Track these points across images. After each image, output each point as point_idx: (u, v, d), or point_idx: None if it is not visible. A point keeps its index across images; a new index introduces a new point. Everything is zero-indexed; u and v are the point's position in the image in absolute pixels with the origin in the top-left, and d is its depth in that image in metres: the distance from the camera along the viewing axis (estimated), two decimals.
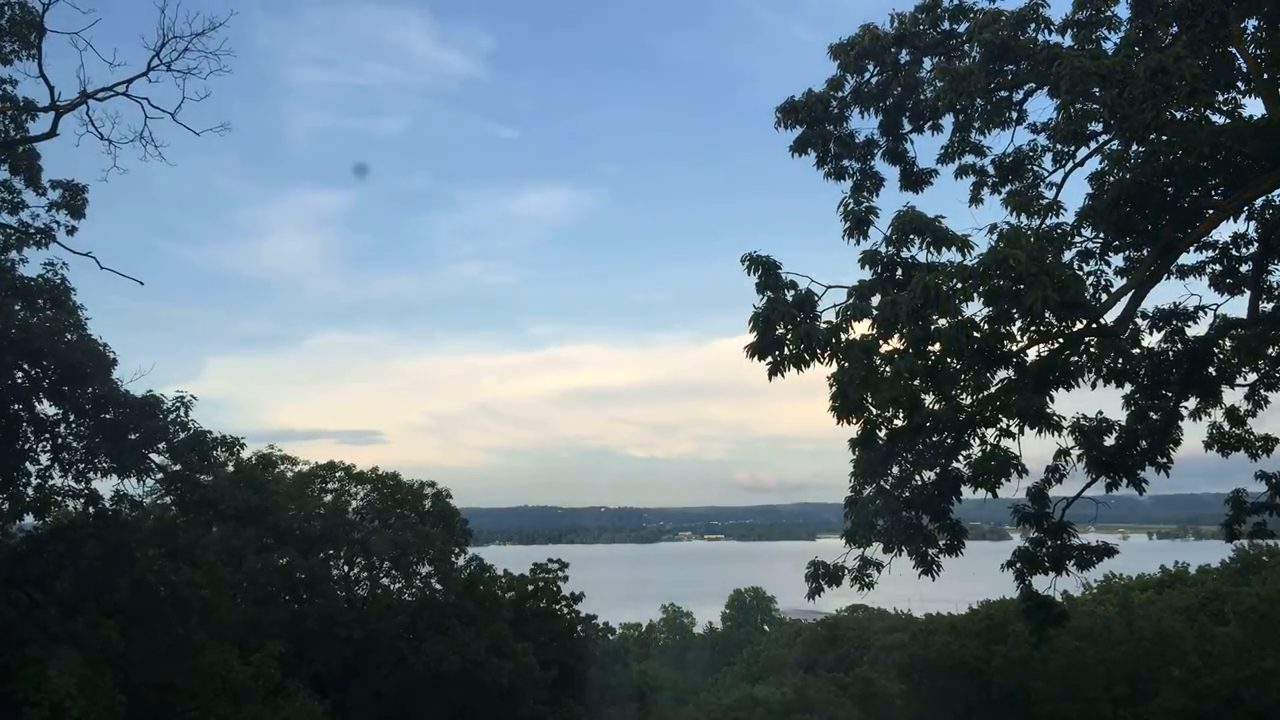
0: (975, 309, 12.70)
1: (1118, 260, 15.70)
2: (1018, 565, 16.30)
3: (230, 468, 25.09)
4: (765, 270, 13.24)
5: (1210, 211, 14.28)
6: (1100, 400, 15.14)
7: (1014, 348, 13.25)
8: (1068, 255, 14.62)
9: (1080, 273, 14.42)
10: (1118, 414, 15.88)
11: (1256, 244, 15.73)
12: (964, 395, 13.80)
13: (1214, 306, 16.00)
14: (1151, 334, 16.10)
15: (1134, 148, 13.98)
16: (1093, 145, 15.05)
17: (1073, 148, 15.16)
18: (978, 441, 14.08)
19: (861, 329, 13.25)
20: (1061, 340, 13.62)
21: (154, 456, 19.24)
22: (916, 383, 12.95)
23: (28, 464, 18.80)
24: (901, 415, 13.59)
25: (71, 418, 18.72)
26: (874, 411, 13.62)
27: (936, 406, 13.67)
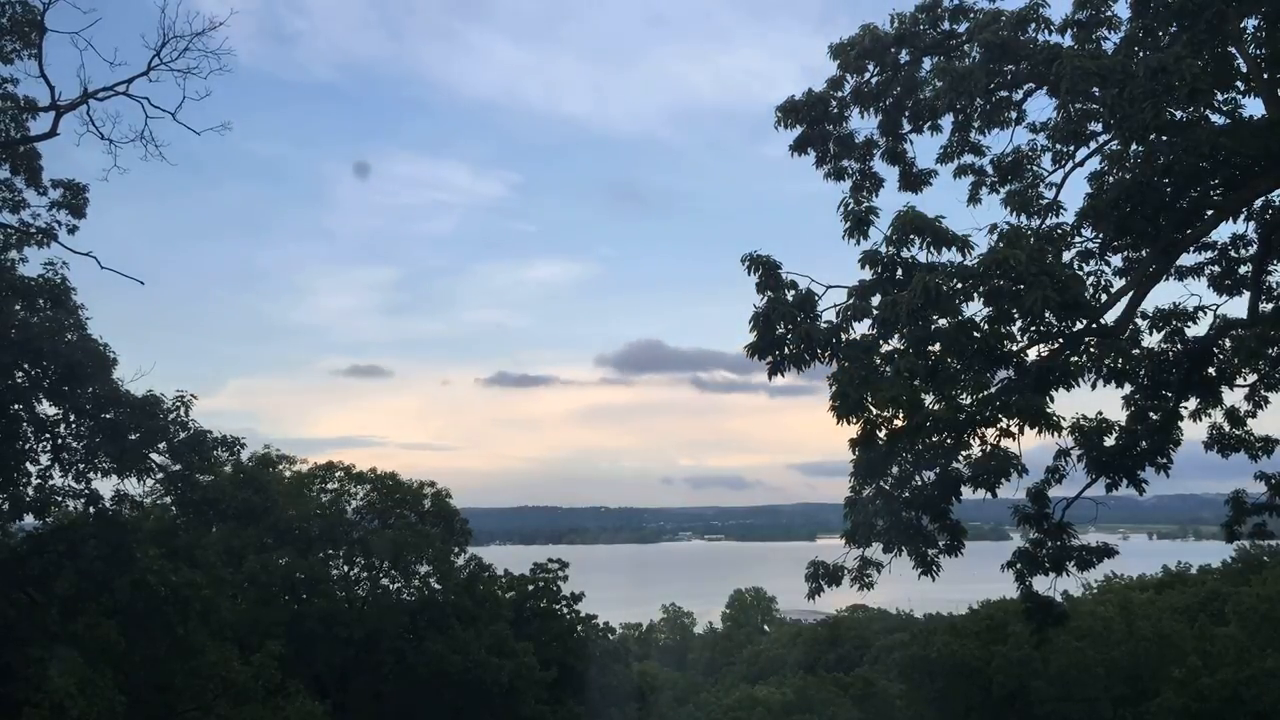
0: (975, 309, 12.72)
1: (1117, 260, 15.70)
2: (1018, 566, 16.29)
3: (230, 468, 25.08)
4: (765, 270, 13.23)
5: (1210, 212, 14.28)
6: (1100, 400, 15.13)
7: (1014, 348, 13.24)
8: (1068, 255, 14.61)
9: (1080, 273, 14.41)
10: (1118, 414, 15.90)
11: (1256, 245, 15.72)
12: (964, 395, 13.78)
13: (1214, 307, 16.00)
14: (1151, 334, 16.10)
15: (1134, 147, 13.97)
16: (1092, 145, 15.06)
17: (1072, 148, 15.16)
18: (978, 441, 14.07)
19: (861, 329, 13.25)
20: (1061, 340, 13.61)
21: (154, 456, 19.25)
22: (916, 383, 12.94)
23: (28, 464, 18.80)
24: (901, 415, 13.57)
25: (71, 418, 18.72)
26: (874, 411, 13.60)
27: (936, 406, 13.65)
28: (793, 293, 13.23)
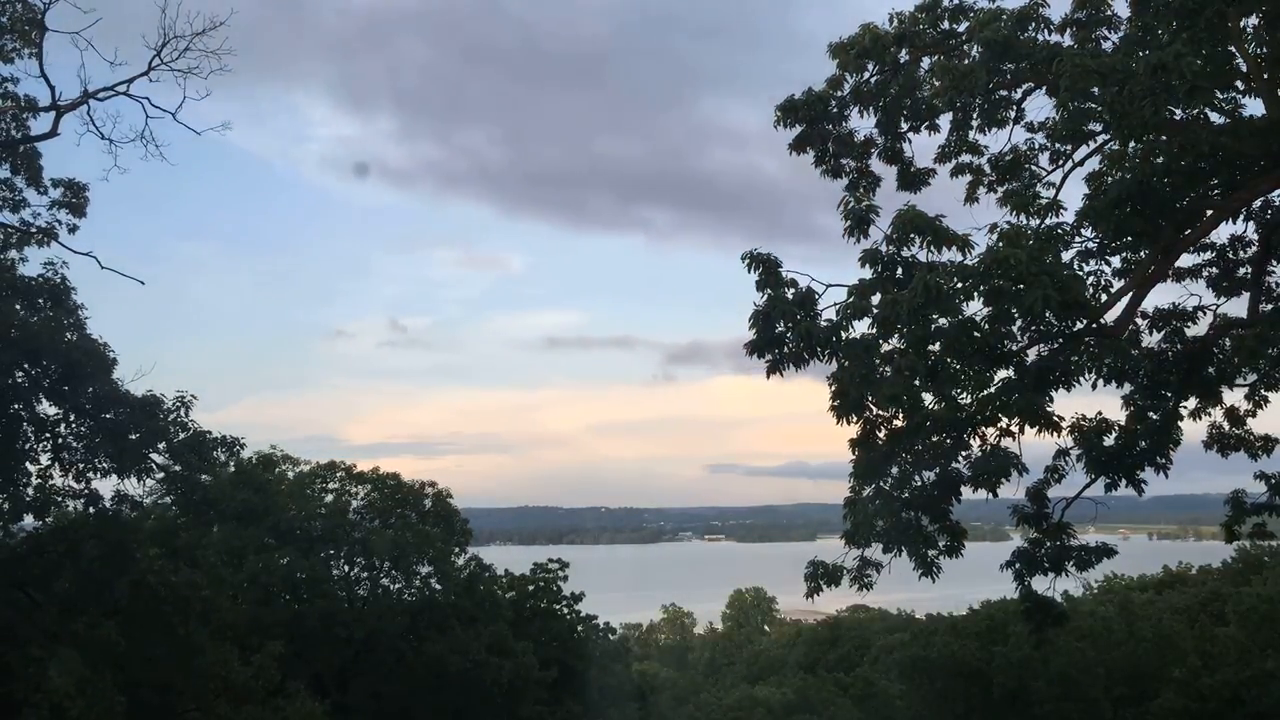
0: (975, 309, 12.71)
1: (1117, 260, 15.70)
2: (1017, 566, 16.30)
3: (230, 468, 25.08)
4: (766, 268, 13.22)
5: (1210, 212, 14.27)
6: (1100, 400, 15.14)
7: (1014, 348, 13.24)
8: (1068, 255, 14.61)
9: (1080, 273, 14.41)
10: (1118, 414, 15.90)
11: (1256, 245, 15.72)
12: (964, 395, 13.78)
13: (1214, 307, 16.01)
14: (1151, 334, 16.11)
15: (1133, 147, 13.97)
16: (1092, 145, 15.06)
17: (1071, 147, 15.17)
18: (978, 441, 14.07)
19: (861, 328, 13.25)
20: (1061, 340, 13.61)
21: (154, 456, 19.25)
22: (916, 382, 12.94)
23: (28, 464, 18.81)
24: (901, 415, 13.57)
25: (71, 417, 18.72)
26: (874, 411, 13.61)
27: (936, 406, 13.65)
28: (793, 291, 13.22)
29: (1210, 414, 16.41)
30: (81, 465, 18.83)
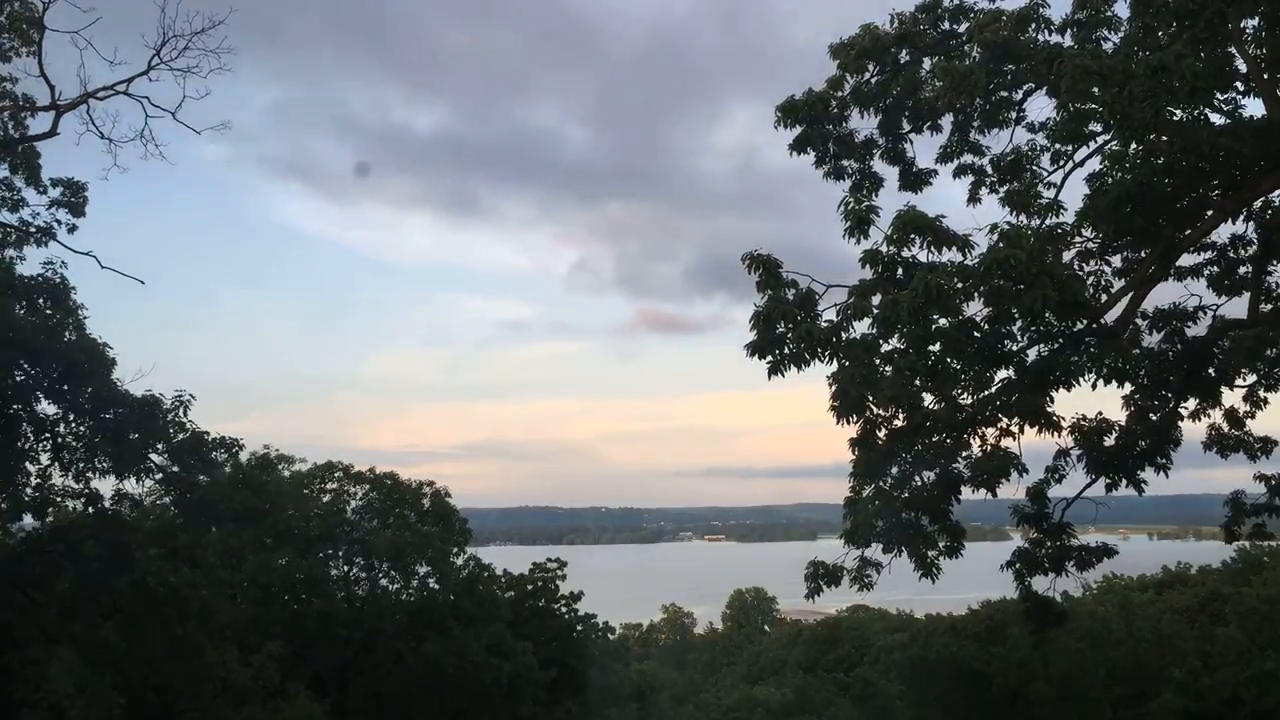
0: (975, 309, 12.72)
1: (1117, 260, 15.71)
2: (1017, 566, 16.31)
3: (228, 468, 25.05)
4: (766, 269, 13.21)
5: (1210, 212, 14.28)
6: (1100, 400, 15.16)
7: (1014, 348, 13.24)
8: (1068, 255, 14.61)
9: (1080, 273, 14.40)
10: (1118, 414, 15.90)
11: (1256, 245, 15.72)
12: (964, 395, 13.78)
13: (1214, 307, 16.01)
14: (1151, 334, 16.10)
15: (1133, 147, 13.98)
16: (1092, 145, 15.07)
17: (1072, 147, 15.17)
18: (978, 441, 14.08)
19: (862, 328, 13.25)
20: (1061, 340, 13.61)
21: (154, 457, 19.23)
22: (917, 382, 12.94)
23: (28, 464, 18.80)
24: (901, 415, 13.57)
25: (71, 417, 18.71)
26: (874, 411, 13.60)
27: (936, 406, 13.65)
28: (793, 292, 13.22)
29: (1210, 414, 16.42)
30: (81, 465, 18.81)
